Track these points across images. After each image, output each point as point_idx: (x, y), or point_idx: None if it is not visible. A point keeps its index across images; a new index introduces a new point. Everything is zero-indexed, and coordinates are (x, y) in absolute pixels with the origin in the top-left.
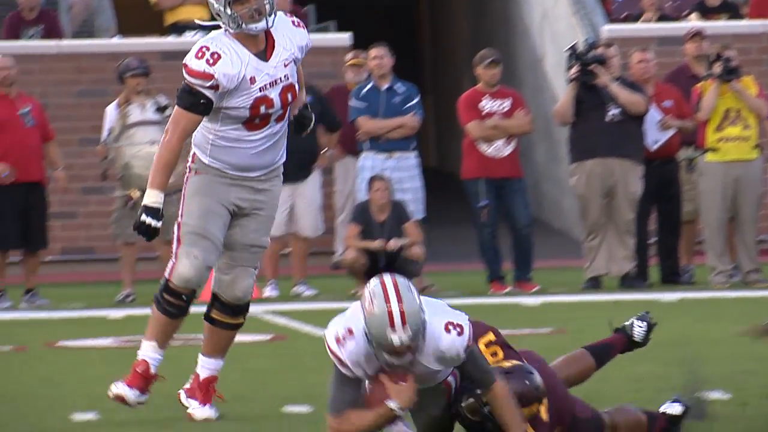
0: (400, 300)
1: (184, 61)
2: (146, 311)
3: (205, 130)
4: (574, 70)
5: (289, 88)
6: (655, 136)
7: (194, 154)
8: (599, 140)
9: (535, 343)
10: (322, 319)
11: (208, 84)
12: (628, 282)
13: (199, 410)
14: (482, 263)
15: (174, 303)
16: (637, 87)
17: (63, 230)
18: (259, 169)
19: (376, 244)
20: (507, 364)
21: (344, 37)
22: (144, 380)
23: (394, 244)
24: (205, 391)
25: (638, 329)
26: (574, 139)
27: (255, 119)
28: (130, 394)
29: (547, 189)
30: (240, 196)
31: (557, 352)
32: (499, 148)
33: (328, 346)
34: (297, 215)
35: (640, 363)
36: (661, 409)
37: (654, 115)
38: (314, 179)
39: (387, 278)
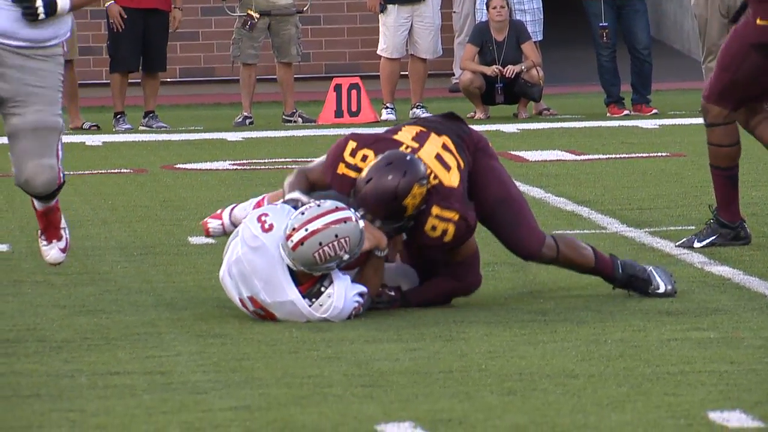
0: None
1: None
2: (265, 134)
3: None
4: None
5: None
6: None
7: None
8: None
9: (652, 167)
10: None
11: None
12: None
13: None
14: (601, 86)
15: None
16: None
17: (183, 52)
18: (22, 40)
19: (491, 70)
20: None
21: None
22: None
23: (510, 70)
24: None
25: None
26: None
27: None
28: None
29: (669, 9)
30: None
31: (675, 177)
32: None
33: None
34: (415, 37)
35: (756, 187)
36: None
37: None
38: (433, 0)
39: None
